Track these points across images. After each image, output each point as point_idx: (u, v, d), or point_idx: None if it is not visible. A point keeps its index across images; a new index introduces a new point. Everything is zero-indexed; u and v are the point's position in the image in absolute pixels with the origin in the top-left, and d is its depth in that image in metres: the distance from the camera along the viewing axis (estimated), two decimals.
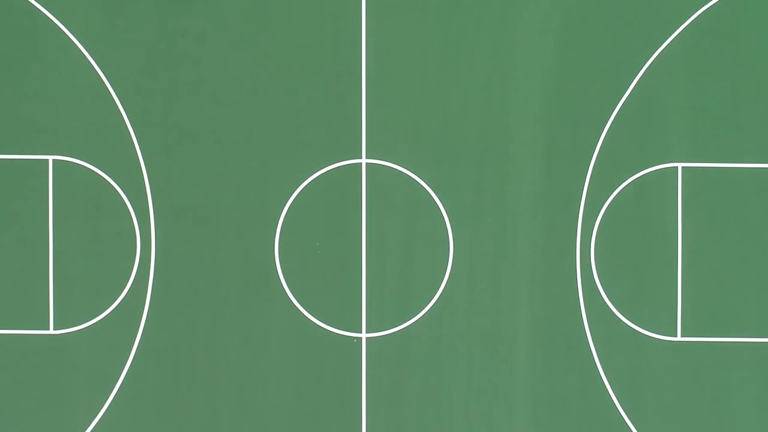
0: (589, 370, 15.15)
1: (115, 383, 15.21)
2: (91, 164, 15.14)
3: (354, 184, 15.10)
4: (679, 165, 14.97)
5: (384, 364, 15.11)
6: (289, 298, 15.08)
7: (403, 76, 15.12)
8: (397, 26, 15.24)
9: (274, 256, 14.99)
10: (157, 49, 15.08)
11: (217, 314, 15.13)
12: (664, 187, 15.00)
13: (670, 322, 15.08)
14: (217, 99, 15.01)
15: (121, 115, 15.09)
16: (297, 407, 15.06)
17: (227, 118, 15.04)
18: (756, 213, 15.20)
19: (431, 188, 15.09)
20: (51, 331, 15.09)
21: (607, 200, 15.09)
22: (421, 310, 15.18)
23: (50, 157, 15.02)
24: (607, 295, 15.13)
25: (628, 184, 15.14)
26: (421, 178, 15.07)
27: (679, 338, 14.99)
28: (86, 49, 15.21)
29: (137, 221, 15.10)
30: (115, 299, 15.23)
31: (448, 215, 15.11)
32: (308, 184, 15.04)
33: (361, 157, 15.06)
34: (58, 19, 15.30)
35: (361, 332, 15.05)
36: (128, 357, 15.20)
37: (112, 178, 15.15)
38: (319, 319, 15.09)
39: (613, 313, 15.15)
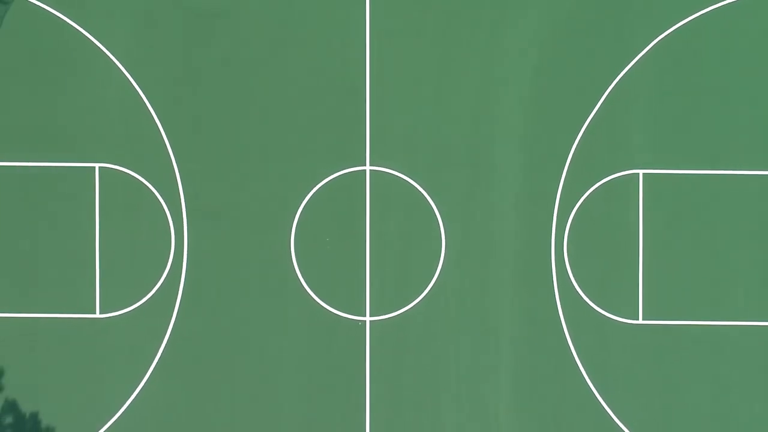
0: (563, 349, 15.90)
1: (152, 360, 15.93)
2: (131, 170, 16.02)
3: (359, 187, 16.08)
4: (641, 171, 15.98)
5: (385, 343, 16.00)
6: (303, 287, 15.91)
7: (401, 95, 16.19)
8: (396, 52, 16.21)
9: (290, 250, 15.94)
10: (187, 70, 16.12)
11: (241, 300, 15.91)
12: (627, 190, 15.95)
13: (632, 307, 15.95)
14: (240, 114, 16.04)
15: (158, 128, 16.08)
16: (309, 380, 15.92)
17: (248, 130, 16.06)
18: (707, 213, 16.08)
19: (426, 191, 16.08)
20: (97, 315, 15.93)
21: (578, 201, 16.05)
22: (417, 297, 16.02)
23: (96, 165, 15.94)
24: (578, 284, 15.96)
25: (596, 188, 16.00)
26: (417, 183, 16.08)
27: (640, 321, 15.90)
28: (127, 70, 16.16)
29: (171, 220, 15.97)
30: (152, 288, 16.01)
31: (440, 214, 16.06)
32: (320, 187, 16.01)
33: (365, 165, 16.15)
34: (102, 45, 16.21)
35: (364, 316, 16.07)
36: (163, 338, 15.97)
37: (149, 183, 16.03)
38: (328, 305, 15.97)
39: (584, 300, 15.94)
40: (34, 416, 15.88)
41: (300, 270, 15.99)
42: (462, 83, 16.11)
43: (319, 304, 15.99)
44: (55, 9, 16.15)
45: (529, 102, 16.03)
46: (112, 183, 16.01)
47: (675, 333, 15.96)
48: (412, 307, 16.08)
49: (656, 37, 16.16)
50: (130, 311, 15.98)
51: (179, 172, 16.04)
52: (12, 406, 15.87)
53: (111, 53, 16.07)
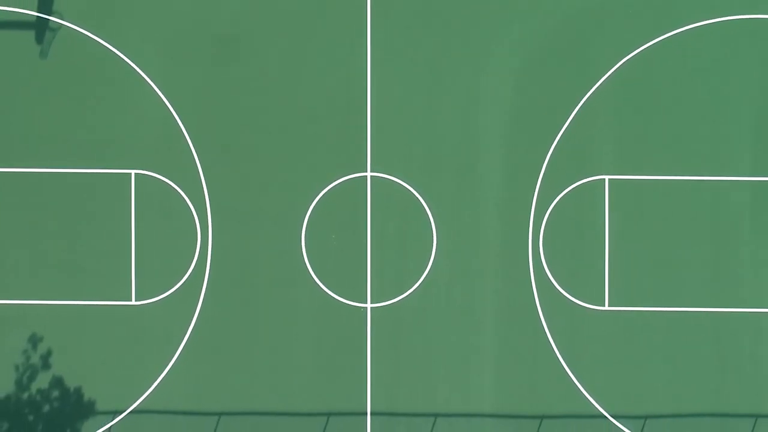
0: (539, 332, 16.89)
1: (181, 341, 16.89)
2: (163, 176, 17.05)
3: (361, 191, 17.05)
4: (607, 177, 17.06)
5: (384, 327, 16.98)
6: (313, 278, 16.96)
7: (398, 111, 17.13)
8: (393, 73, 17.17)
9: (301, 246, 17.01)
10: (212, 88, 17.16)
11: (258, 289, 16.92)
12: (595, 193, 17.05)
13: (599, 295, 16.97)
14: (257, 126, 17.10)
15: (186, 139, 17.11)
16: (317, 360, 16.90)
17: (265, 141, 17.11)
18: (665, 213, 17.04)
19: (420, 194, 17.10)
20: (133, 303, 16.92)
21: (552, 204, 17.04)
22: (411, 287, 17.02)
23: (132, 171, 17.02)
24: (552, 276, 17.00)
25: (568, 192, 17.02)
26: (412, 187, 17.08)
27: (606, 308, 16.95)
28: (159, 89, 17.16)
29: (198, 220, 17.05)
30: (181, 278, 16.98)
31: (432, 215, 17.08)
32: (327, 191, 17.00)
33: (366, 171, 17.09)
34: (138, 66, 17.18)
35: (366, 303, 17.02)
36: (191, 321, 16.93)
37: (178, 187, 17.06)
38: (335, 293, 16.97)
39: (557, 289, 16.99)
40: (78, 390, 16.83)
41: (310, 263, 17.02)
42: (451, 101, 17.19)
43: (326, 292, 16.98)
44: (96, 35, 17.20)
45: (510, 116, 17.14)
46: (146, 187, 17.01)
47: (636, 318, 16.97)
48: (407, 295, 17.04)
49: (621, 59, 17.13)
50: (161, 299, 16.94)
51: (204, 178, 17.08)
52: (59, 382, 16.85)
53: (145, 74, 17.13)
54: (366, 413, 16.82)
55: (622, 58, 17.08)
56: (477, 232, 17.04)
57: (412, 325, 16.98)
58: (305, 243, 16.97)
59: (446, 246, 17.02)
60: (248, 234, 16.98)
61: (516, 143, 17.05)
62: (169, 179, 17.01)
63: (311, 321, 16.91)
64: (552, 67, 17.11)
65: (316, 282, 16.93)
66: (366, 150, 17.03)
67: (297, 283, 16.93)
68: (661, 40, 17.07)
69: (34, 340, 16.89)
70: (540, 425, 16.79)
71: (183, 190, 17.03)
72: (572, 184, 17.01)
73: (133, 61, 17.11)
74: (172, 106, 17.06)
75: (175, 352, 16.88)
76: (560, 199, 17.00)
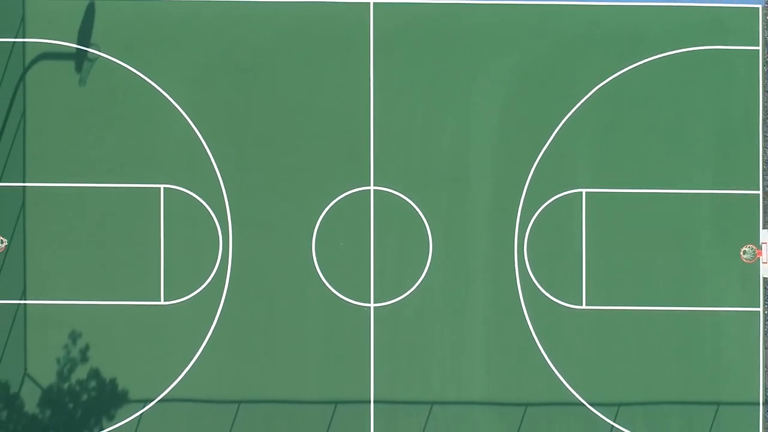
0: (524, 329, 17.42)
1: (205, 337, 17.40)
2: (189, 190, 17.59)
3: (365, 203, 17.60)
4: (584, 190, 17.65)
5: (385, 324, 17.49)
6: (322, 280, 17.48)
7: (398, 132, 17.67)
8: (393, 99, 17.69)
9: (311, 252, 17.52)
10: (233, 112, 17.62)
11: (273, 290, 17.37)
12: (573, 205, 17.61)
13: (578, 296, 17.52)
14: (273, 146, 17.60)
15: (209, 158, 17.63)
16: (326, 353, 17.35)
17: (280, 159, 17.60)
18: (636, 222, 17.57)
19: (417, 206, 17.68)
20: (161, 302, 17.44)
21: (535, 214, 17.60)
22: (410, 288, 17.53)
23: (162, 186, 17.57)
24: (535, 278, 17.55)
25: (549, 203, 17.58)
26: (411, 200, 17.66)
27: (584, 307, 17.51)
28: (185, 113, 17.65)
29: (220, 229, 17.58)
30: (205, 281, 17.47)
31: (428, 224, 17.63)
32: (334, 203, 17.50)
33: (370, 185, 17.63)
34: (166, 92, 17.71)
35: (370, 303, 17.53)
36: (214, 319, 17.43)
37: (203, 200, 17.60)
38: (342, 294, 17.49)
39: (540, 290, 17.52)
40: (113, 381, 17.42)
41: (319, 267, 17.49)
42: (444, 123, 17.68)
43: (334, 293, 17.46)
44: (129, 65, 17.70)
45: (497, 137, 17.59)
46: (174, 200, 17.48)
47: (611, 316, 17.46)
48: (407, 296, 17.52)
49: (596, 86, 17.66)
50: (187, 299, 17.40)
51: (226, 191, 17.56)
52: (95, 373, 17.46)
53: (174, 100, 17.62)
54: (369, 401, 17.31)
55: (597, 85, 17.66)
56: (468, 239, 17.54)
57: (410, 322, 17.48)
58: (315, 249, 17.44)
59: (441, 252, 17.49)
60: (265, 241, 17.45)
61: (503, 161, 17.56)
62: (194, 193, 17.51)
63: (320, 319, 17.42)
64: (534, 92, 17.66)
65: (324, 284, 17.41)
66: (369, 167, 17.54)
67: (308, 285, 17.44)
68: (632, 68, 17.68)
69: (74, 337, 17.54)
70: (525, 412, 17.37)
71: (207, 203, 17.50)
72: (553, 196, 17.54)
73: (162, 89, 17.63)
74: (197, 128, 17.58)
75: (199, 347, 17.36)
76: (542, 210, 17.51)
